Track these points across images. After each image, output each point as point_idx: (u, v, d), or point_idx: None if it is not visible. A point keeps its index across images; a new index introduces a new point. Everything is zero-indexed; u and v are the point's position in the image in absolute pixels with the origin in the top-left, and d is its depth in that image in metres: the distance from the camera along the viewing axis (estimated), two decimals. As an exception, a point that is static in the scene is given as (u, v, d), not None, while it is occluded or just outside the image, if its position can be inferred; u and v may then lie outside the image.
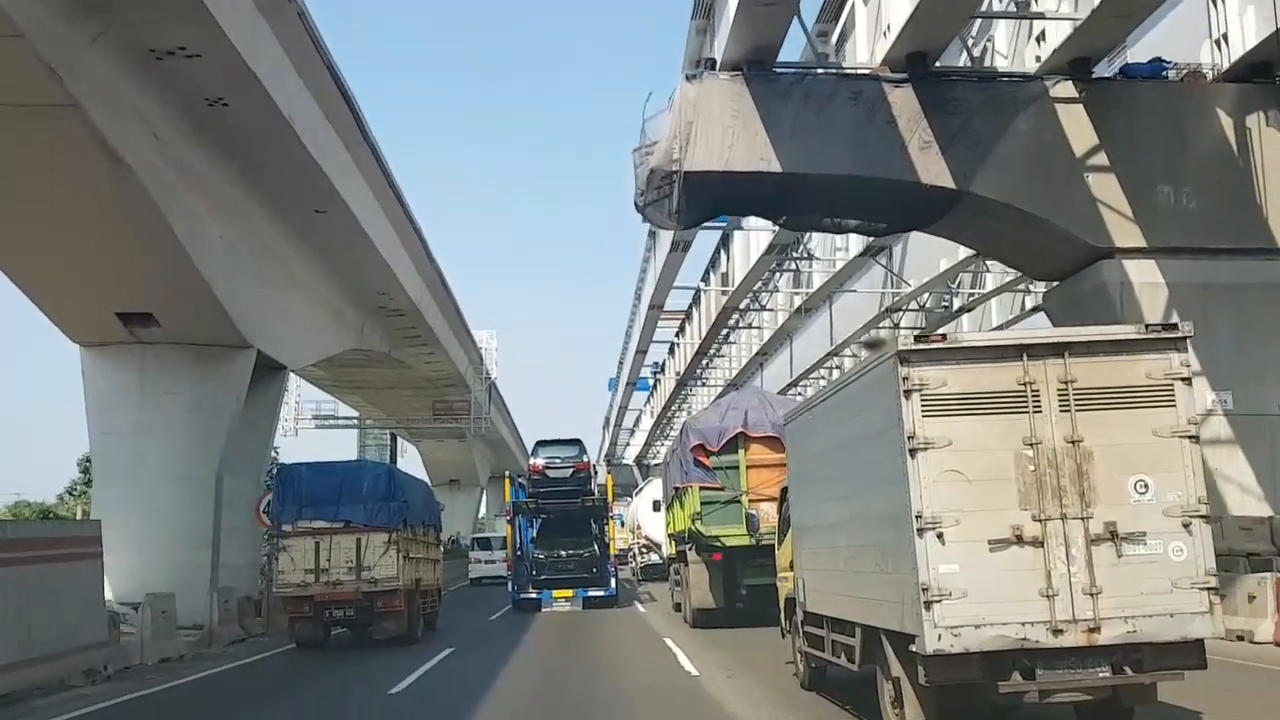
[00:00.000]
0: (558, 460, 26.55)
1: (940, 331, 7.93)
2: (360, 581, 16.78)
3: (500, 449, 66.83)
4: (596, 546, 25.86)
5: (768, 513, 14.93)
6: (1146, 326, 7.19)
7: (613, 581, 25.30)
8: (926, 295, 24.09)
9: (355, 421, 49.81)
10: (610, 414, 65.07)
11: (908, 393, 7.07)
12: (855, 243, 21.98)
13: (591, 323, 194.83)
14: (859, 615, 8.51)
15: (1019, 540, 6.87)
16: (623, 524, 39.82)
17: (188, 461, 19.93)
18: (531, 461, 27.44)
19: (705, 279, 27.03)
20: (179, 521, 19.61)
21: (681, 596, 20.29)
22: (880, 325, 25.42)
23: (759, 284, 25.75)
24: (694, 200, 16.04)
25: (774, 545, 12.59)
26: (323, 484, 17.42)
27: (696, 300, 29.03)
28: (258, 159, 18.00)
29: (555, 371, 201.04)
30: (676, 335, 31.20)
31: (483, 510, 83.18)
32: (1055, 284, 18.46)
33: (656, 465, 60.66)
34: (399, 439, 58.50)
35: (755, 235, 23.56)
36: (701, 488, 17.45)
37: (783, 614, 11.93)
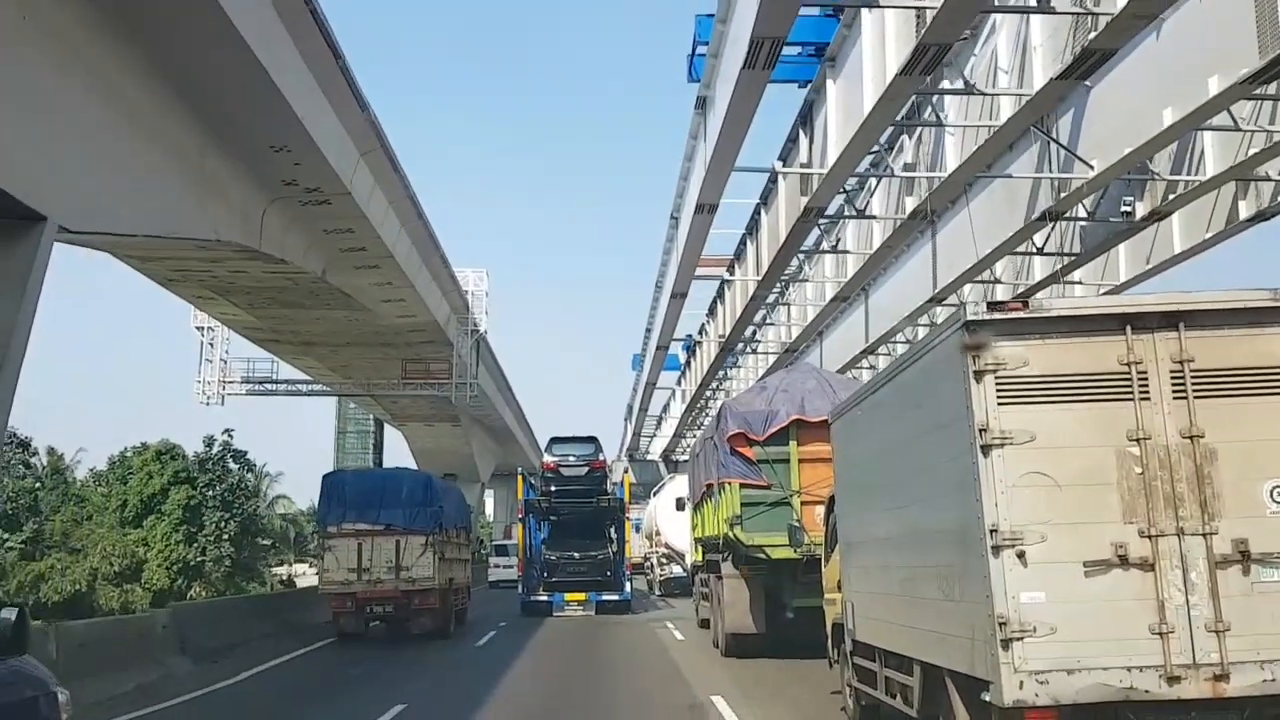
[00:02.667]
0: (571, 458, 28.82)
1: (1020, 297, 7.35)
2: (399, 580, 20.72)
3: (504, 438, 66.48)
4: (611, 549, 28.08)
5: (823, 519, 14.89)
6: (1285, 290, 6.62)
7: (627, 586, 27.60)
8: (1102, 193, 17.51)
9: (300, 388, 45.95)
10: (634, 400, 64.06)
11: (979, 374, 6.62)
12: (1044, 64, 14.19)
13: (613, 325, 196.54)
14: (918, 651, 8.17)
15: (1123, 562, 6.43)
16: (638, 530, 41.04)
17: None
18: (544, 459, 29.80)
19: (783, 158, 19.80)
20: None
21: (711, 615, 19.85)
22: (1018, 249, 19.56)
23: (870, 159, 18.31)
24: None
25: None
26: (365, 489, 21.81)
27: (753, 228, 24.43)
28: None
29: (574, 372, 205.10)
30: (728, 270, 27.49)
31: (489, 511, 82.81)
32: None
33: (687, 462, 59.31)
34: (385, 425, 58.32)
35: (876, 58, 14.57)
36: (742, 485, 16.59)
37: (830, 641, 11.73)
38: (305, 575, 56.26)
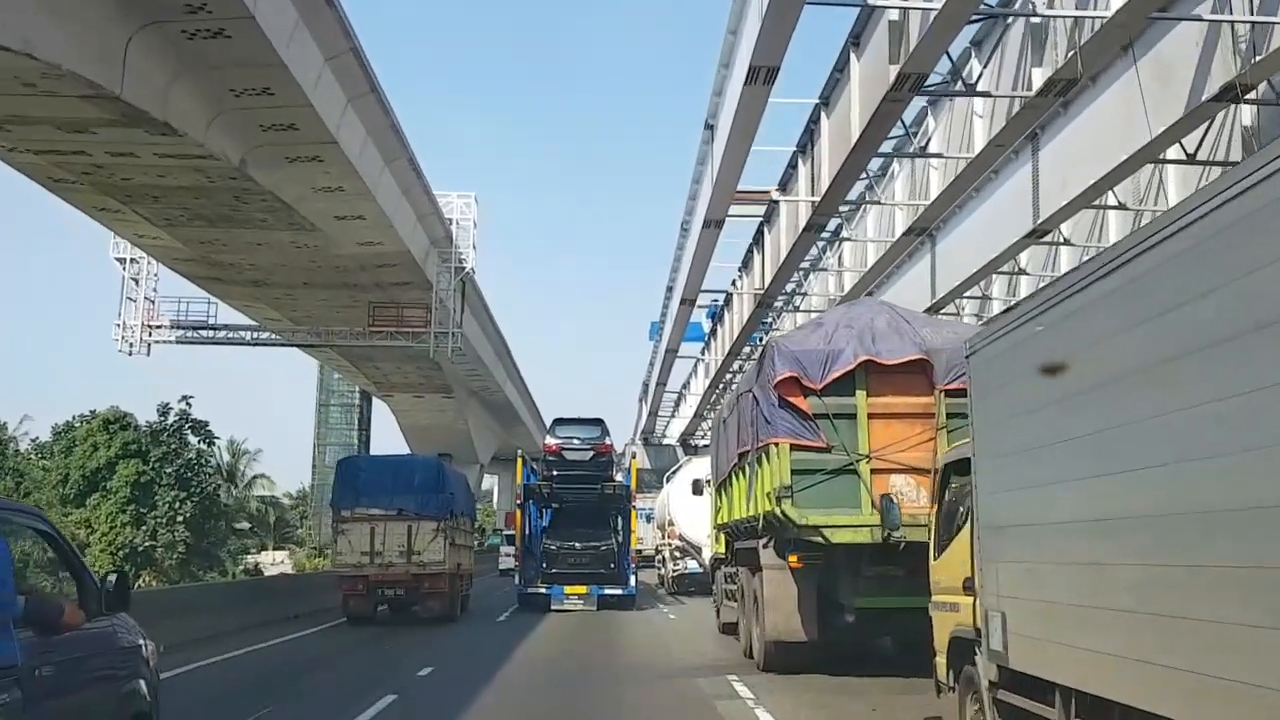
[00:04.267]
0: (576, 440, 28.41)
1: None
2: (410, 564, 22.01)
3: (506, 417, 63.90)
4: (615, 540, 28.01)
5: (900, 491, 12.57)
6: None
7: (632, 580, 27.31)
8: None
9: (243, 335, 39.73)
10: (650, 376, 61.66)
11: None
12: None
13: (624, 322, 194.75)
14: (1183, 709, 5.07)
15: None
16: (649, 520, 40.45)
17: None
18: (546, 441, 29.74)
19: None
20: None
21: (743, 618, 16.98)
22: (1153, 155, 15.34)
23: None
24: None
25: (913, 546, 11.09)
26: (379, 475, 23.41)
27: (808, 142, 20.52)
28: None
29: (587, 360, 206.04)
30: (778, 189, 22.99)
31: (495, 498, 79.81)
32: None
33: (707, 447, 56.39)
34: (373, 399, 55.03)
35: None
36: (793, 446, 13.53)
37: (943, 659, 9.22)
38: (281, 563, 53.21)
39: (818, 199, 19.38)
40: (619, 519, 29.00)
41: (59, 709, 5.58)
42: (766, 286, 26.18)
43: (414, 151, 29.03)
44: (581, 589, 26.14)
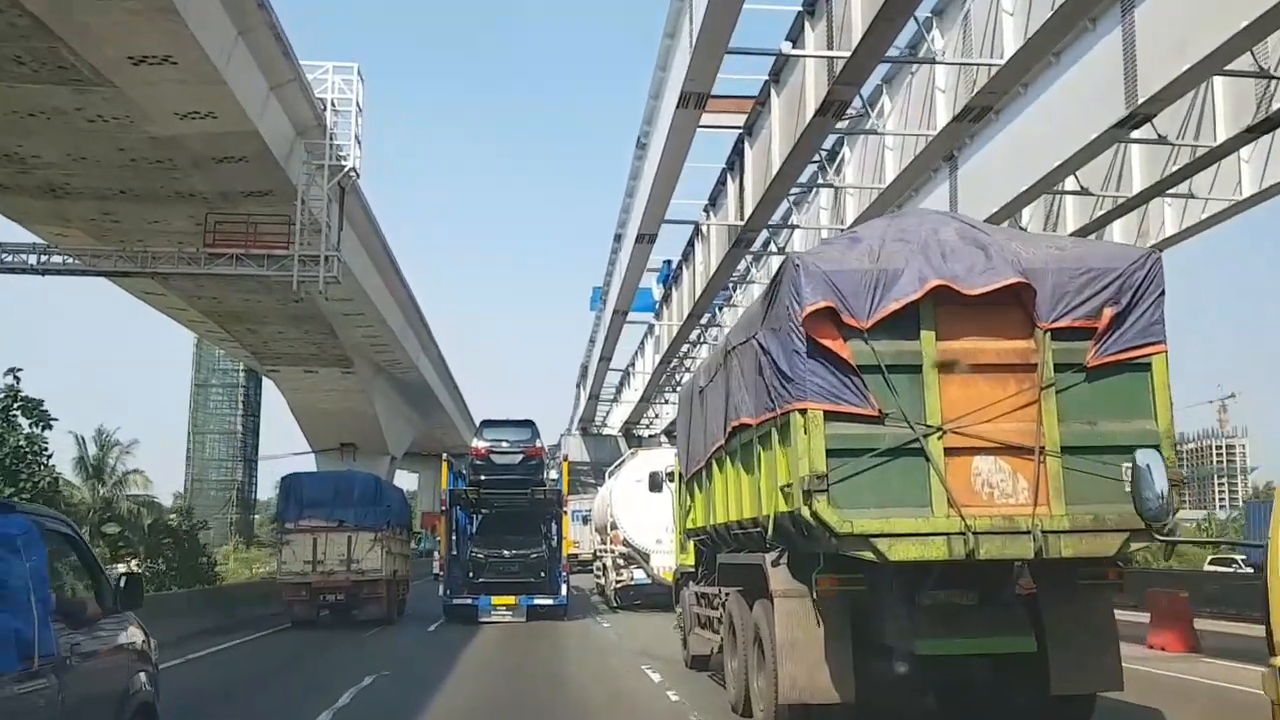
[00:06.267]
0: (505, 443, 29.36)
1: None
2: (350, 572, 25.85)
3: (424, 402, 60.83)
4: (546, 548, 29.12)
5: (989, 482, 9.88)
6: None
7: (563, 589, 28.60)
8: None
9: (25, 259, 30.89)
10: (590, 355, 58.73)
11: None
12: None
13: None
14: None
15: None
16: (585, 522, 41.46)
17: None
18: (474, 444, 30.39)
19: None
20: None
21: (730, 661, 13.61)
22: None
23: None
24: None
25: (995, 565, 9.76)
26: (321, 489, 27.52)
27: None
28: None
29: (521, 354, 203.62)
30: (761, 98, 19.49)
31: (419, 500, 78.12)
32: None
33: (654, 437, 53.50)
34: (262, 379, 50.24)
35: None
36: (829, 414, 9.98)
37: None
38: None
39: (847, 54, 15.04)
40: (550, 525, 30.19)
41: (82, 696, 6.66)
42: (749, 215, 21.80)
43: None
44: (510, 599, 27.23)
